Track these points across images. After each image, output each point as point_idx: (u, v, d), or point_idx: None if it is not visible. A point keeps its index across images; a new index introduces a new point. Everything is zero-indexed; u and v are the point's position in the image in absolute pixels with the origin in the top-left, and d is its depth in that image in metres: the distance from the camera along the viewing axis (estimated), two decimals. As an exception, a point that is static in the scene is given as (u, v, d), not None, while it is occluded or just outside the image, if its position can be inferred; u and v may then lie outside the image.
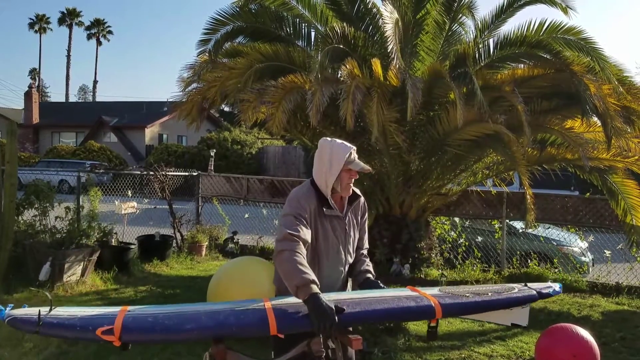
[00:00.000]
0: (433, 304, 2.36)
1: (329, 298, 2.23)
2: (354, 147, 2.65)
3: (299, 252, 2.29)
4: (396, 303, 2.36)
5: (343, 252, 2.68)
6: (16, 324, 2.11)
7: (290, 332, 2.27)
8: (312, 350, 2.29)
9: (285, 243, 2.32)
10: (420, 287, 2.65)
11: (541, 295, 2.67)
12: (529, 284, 2.75)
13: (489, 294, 2.56)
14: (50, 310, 2.13)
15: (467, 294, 2.52)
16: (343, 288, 2.73)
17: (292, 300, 2.31)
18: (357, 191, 2.77)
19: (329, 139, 2.68)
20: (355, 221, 2.75)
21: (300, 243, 2.34)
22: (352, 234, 2.72)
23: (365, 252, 2.86)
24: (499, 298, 2.55)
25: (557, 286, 2.79)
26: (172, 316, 2.14)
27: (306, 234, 2.42)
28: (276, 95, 5.07)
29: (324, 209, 2.59)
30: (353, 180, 2.65)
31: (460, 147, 5.65)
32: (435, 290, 2.60)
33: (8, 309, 2.16)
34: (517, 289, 2.67)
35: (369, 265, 2.82)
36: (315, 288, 2.17)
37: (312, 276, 2.21)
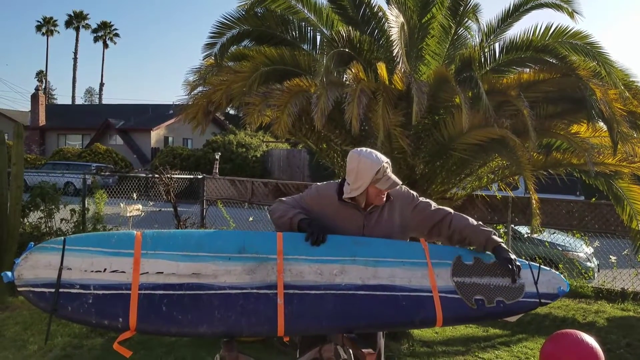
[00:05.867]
0: (436, 317, 2.45)
1: None
2: (386, 161, 2.53)
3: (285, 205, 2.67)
4: (399, 316, 2.43)
5: None
6: (29, 298, 2.09)
7: (298, 334, 2.31)
8: (323, 358, 2.30)
9: (275, 205, 2.73)
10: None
11: (542, 304, 2.70)
12: (542, 268, 2.74)
13: (494, 302, 2.58)
14: (60, 275, 2.11)
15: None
16: None
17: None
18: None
19: (358, 150, 2.55)
20: (386, 220, 2.65)
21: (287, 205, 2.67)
22: (375, 230, 2.62)
23: (452, 216, 2.71)
24: (503, 310, 2.59)
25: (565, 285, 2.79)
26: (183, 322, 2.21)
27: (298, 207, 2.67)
28: (281, 99, 5.07)
29: (340, 199, 2.60)
30: (385, 192, 2.57)
31: (465, 151, 5.63)
32: (447, 276, 2.58)
33: (16, 263, 2.11)
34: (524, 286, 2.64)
35: (480, 226, 2.71)
36: (303, 215, 2.58)
37: (300, 210, 2.62)
